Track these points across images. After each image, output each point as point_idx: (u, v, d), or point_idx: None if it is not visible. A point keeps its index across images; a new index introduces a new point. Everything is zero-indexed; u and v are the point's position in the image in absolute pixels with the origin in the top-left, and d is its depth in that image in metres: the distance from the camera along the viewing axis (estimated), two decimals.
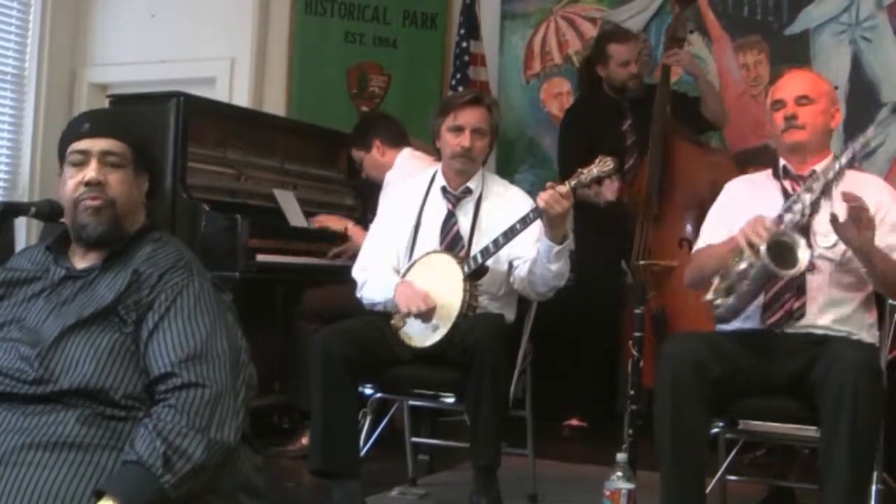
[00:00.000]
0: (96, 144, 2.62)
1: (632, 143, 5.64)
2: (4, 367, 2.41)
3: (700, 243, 3.64)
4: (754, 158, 4.00)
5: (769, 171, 3.65)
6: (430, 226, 4.13)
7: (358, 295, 4.12)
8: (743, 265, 3.25)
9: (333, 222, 5.51)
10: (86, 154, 2.62)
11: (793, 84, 3.54)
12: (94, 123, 2.68)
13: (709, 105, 5.49)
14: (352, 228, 5.36)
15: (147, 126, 5.09)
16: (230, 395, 2.41)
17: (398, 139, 5.31)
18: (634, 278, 5.22)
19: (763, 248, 3.14)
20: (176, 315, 2.47)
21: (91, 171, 2.59)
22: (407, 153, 5.20)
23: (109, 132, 2.65)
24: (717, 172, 3.89)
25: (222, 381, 2.40)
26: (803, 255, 3.14)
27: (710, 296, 3.36)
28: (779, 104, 3.52)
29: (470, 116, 4.07)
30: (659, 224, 5.17)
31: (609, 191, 5.33)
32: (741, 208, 3.53)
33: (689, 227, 5.05)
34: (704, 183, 3.83)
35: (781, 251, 3.15)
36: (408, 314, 3.85)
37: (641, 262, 5.12)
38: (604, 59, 5.77)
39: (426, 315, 3.84)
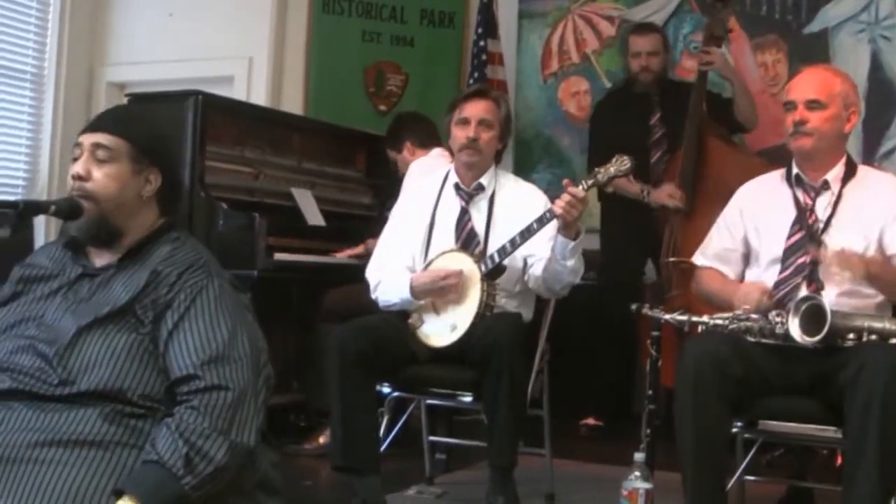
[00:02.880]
0: (89, 138, 2.60)
1: (660, 137, 5.63)
2: (25, 366, 2.41)
3: (706, 250, 3.63)
4: (774, 158, 3.99)
5: (781, 173, 3.62)
6: (445, 224, 4.13)
7: (372, 296, 4.12)
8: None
9: (352, 251, 5.51)
10: (80, 148, 2.61)
11: (804, 85, 3.48)
12: (97, 119, 2.68)
13: (741, 107, 5.47)
14: (371, 243, 5.33)
15: (165, 125, 5.09)
16: (251, 398, 2.41)
17: (429, 140, 5.33)
18: (662, 275, 5.22)
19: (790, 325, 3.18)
20: (196, 316, 2.46)
21: (77, 165, 2.59)
22: (436, 152, 5.21)
23: (105, 127, 2.63)
24: (749, 172, 3.87)
25: (244, 384, 2.40)
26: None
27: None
28: (790, 106, 3.47)
29: (475, 108, 4.08)
30: (689, 221, 5.15)
31: (665, 195, 5.30)
32: (753, 214, 3.53)
33: None
34: (736, 182, 3.80)
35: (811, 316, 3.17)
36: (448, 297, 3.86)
37: (670, 259, 5.10)
38: (626, 49, 5.86)
39: (456, 287, 3.85)
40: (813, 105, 3.42)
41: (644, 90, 5.70)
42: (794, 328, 3.17)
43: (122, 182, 2.60)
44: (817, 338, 3.14)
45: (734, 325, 3.29)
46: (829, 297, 3.26)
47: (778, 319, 3.23)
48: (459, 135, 4.08)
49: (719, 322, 3.31)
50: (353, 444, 3.79)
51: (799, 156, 3.51)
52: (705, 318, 3.37)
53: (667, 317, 3.48)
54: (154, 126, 2.75)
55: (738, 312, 3.31)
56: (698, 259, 3.74)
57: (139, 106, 5.43)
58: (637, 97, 5.73)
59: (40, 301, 2.58)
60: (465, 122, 4.07)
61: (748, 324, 3.28)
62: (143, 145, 2.64)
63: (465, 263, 3.91)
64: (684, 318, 3.43)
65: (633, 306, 3.67)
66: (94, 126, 2.64)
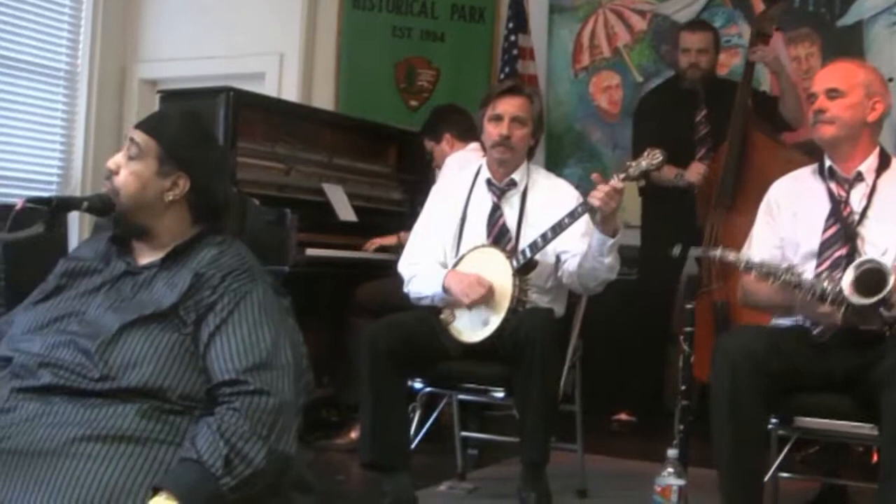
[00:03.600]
0: (130, 133, 2.63)
1: (705, 134, 5.61)
2: (66, 361, 2.42)
3: (750, 251, 3.58)
4: (809, 152, 3.96)
5: (814, 167, 3.59)
6: (476, 219, 4.12)
7: (405, 290, 4.12)
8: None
9: (384, 240, 5.50)
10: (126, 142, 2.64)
11: (826, 77, 3.47)
12: (147, 117, 2.71)
13: (787, 105, 5.44)
14: (403, 236, 5.33)
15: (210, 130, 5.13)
16: (292, 407, 2.41)
17: (468, 133, 5.32)
18: (701, 268, 5.19)
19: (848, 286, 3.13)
20: (240, 320, 2.46)
21: (112, 159, 2.61)
22: (473, 146, 5.21)
23: (143, 125, 2.64)
24: (792, 168, 3.85)
25: (286, 392, 2.40)
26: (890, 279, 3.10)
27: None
28: (812, 97, 3.47)
29: (508, 105, 4.06)
30: (730, 216, 5.12)
31: (694, 173, 5.32)
32: (789, 210, 3.50)
33: None
34: (780, 177, 3.80)
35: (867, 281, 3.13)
36: (466, 305, 3.85)
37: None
38: (676, 44, 5.82)
39: (485, 298, 3.84)
40: (832, 94, 3.41)
41: (691, 86, 5.67)
42: (847, 284, 3.13)
43: (142, 181, 2.59)
44: (873, 299, 3.09)
45: (787, 277, 3.24)
46: None
47: (828, 285, 3.19)
48: (492, 131, 4.07)
49: (772, 271, 3.27)
50: (383, 441, 3.79)
51: (822, 145, 3.48)
52: (758, 261, 3.33)
53: (717, 252, 3.42)
54: (193, 132, 2.71)
55: (793, 264, 3.28)
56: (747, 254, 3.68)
57: (172, 103, 5.44)
58: (683, 93, 5.70)
59: (83, 297, 2.59)
60: (497, 118, 4.06)
61: (801, 279, 3.24)
62: (171, 147, 2.62)
63: (496, 258, 3.90)
64: (732, 257, 3.38)
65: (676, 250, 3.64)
66: (138, 123, 2.66)
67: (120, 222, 2.60)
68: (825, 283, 3.20)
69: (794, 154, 5.34)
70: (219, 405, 2.36)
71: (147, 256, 2.62)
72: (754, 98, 5.41)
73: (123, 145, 2.63)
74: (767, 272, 3.27)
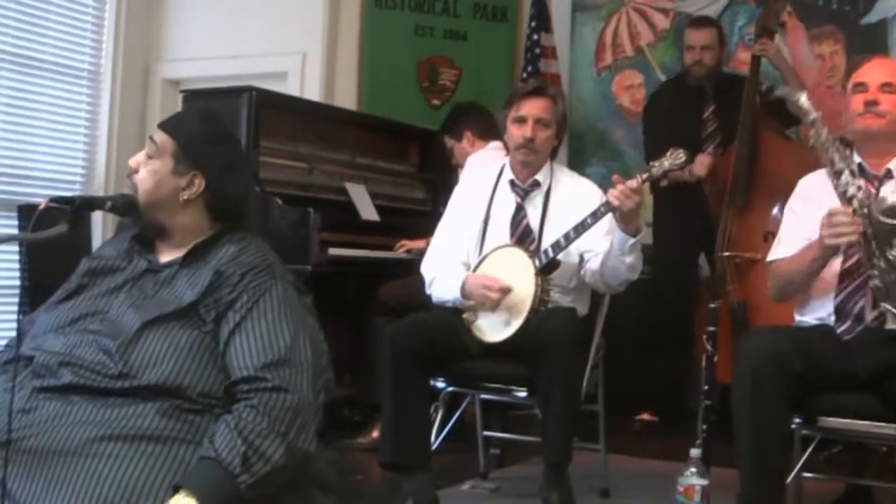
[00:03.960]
0: (152, 134, 2.65)
1: (713, 130, 5.60)
2: (87, 360, 2.43)
3: (780, 247, 3.55)
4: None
5: None
6: (500, 220, 4.12)
7: (427, 292, 4.12)
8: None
9: (414, 243, 5.50)
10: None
11: (878, 70, 3.45)
12: (170, 116, 2.72)
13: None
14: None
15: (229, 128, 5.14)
16: (311, 404, 2.41)
17: (489, 132, 5.32)
18: (716, 270, 5.18)
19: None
20: (259, 318, 2.47)
21: (133, 158, 2.63)
22: (495, 145, 5.20)
23: (164, 124, 2.68)
24: (804, 166, 3.82)
25: (304, 389, 2.41)
26: None
27: None
28: (860, 87, 3.43)
29: (532, 107, 4.05)
30: (743, 215, 5.11)
31: (700, 166, 5.32)
32: (817, 205, 3.47)
33: (774, 220, 4.97)
34: (791, 176, 3.75)
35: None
36: (485, 308, 3.85)
37: (724, 254, 5.07)
38: (682, 41, 5.81)
39: (503, 300, 3.83)
40: (886, 88, 3.39)
41: (697, 83, 5.66)
42: (879, 198, 3.15)
43: (158, 179, 2.61)
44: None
45: (842, 178, 3.24)
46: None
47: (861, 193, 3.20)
48: (516, 133, 4.07)
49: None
50: (402, 442, 3.79)
51: (864, 136, 3.43)
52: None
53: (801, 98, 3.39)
54: (211, 132, 2.72)
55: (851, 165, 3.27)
56: (772, 255, 3.65)
57: (194, 102, 5.45)
58: (690, 90, 5.70)
59: (105, 296, 2.60)
60: (521, 120, 4.05)
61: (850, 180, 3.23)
62: (187, 146, 2.64)
63: (519, 258, 3.90)
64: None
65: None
66: (160, 122, 2.68)
67: (139, 219, 2.62)
68: (858, 187, 3.20)
69: (806, 151, 5.32)
70: (237, 403, 2.37)
71: (168, 254, 2.64)
72: (762, 96, 5.39)
73: (146, 145, 2.66)
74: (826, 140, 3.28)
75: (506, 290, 3.84)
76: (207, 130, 2.72)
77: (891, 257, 3.13)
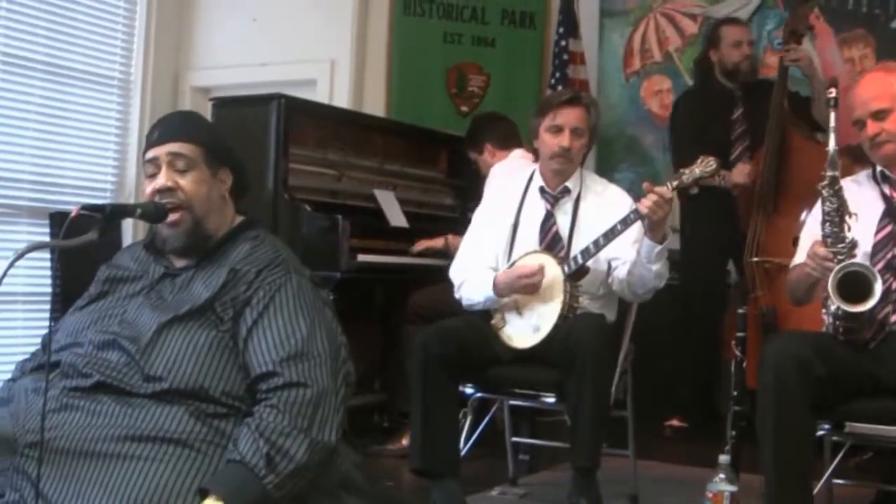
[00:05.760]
0: (163, 150, 2.66)
1: (741, 133, 5.57)
2: (112, 361, 2.46)
3: (798, 253, 3.56)
4: (859, 156, 3.91)
5: (868, 172, 3.58)
6: (529, 226, 4.12)
7: (456, 296, 4.13)
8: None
9: (432, 242, 5.52)
10: (155, 162, 2.65)
11: (862, 99, 3.46)
12: (161, 130, 2.72)
13: (819, 107, 5.39)
14: (451, 239, 5.32)
15: (249, 128, 5.17)
16: (331, 395, 2.43)
17: (509, 141, 5.33)
18: (745, 275, 5.16)
19: (831, 288, 3.13)
20: (276, 313, 2.49)
21: (160, 179, 2.63)
22: (518, 153, 5.21)
23: (174, 135, 2.68)
24: None
25: (324, 381, 2.42)
26: (877, 287, 3.09)
27: None
28: (859, 125, 3.46)
29: (569, 116, 4.05)
30: (772, 220, 5.09)
31: (740, 174, 5.28)
32: None
33: (803, 225, 4.94)
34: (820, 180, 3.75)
35: (853, 282, 3.12)
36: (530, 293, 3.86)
37: (754, 259, 5.05)
38: (716, 41, 5.75)
39: (537, 285, 3.85)
40: (879, 116, 3.41)
41: (724, 86, 5.64)
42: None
43: (208, 186, 2.65)
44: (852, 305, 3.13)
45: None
46: None
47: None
48: (551, 142, 4.06)
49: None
50: (432, 447, 3.80)
51: (886, 162, 3.47)
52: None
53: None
54: (212, 125, 2.80)
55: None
56: (793, 261, 3.66)
57: (224, 110, 5.48)
58: (717, 93, 5.68)
59: (124, 300, 2.64)
60: (558, 129, 4.05)
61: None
62: (213, 147, 2.68)
63: (548, 264, 3.90)
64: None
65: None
66: (162, 137, 2.68)
67: (192, 234, 2.64)
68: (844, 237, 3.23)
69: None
70: (258, 403, 2.38)
71: (183, 259, 2.66)
72: (788, 98, 5.37)
73: (151, 167, 2.67)
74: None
75: (541, 269, 3.85)
76: (206, 125, 2.79)
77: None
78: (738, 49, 5.63)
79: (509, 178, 4.47)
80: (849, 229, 3.23)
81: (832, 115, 3.32)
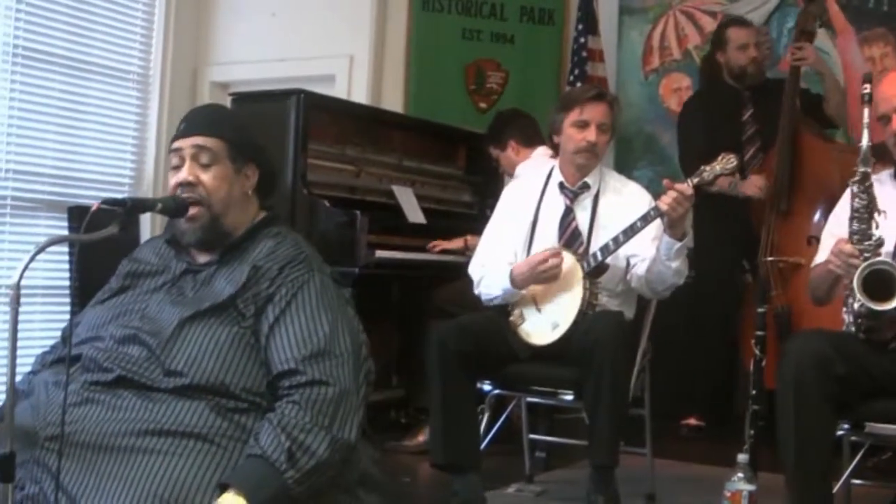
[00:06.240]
0: (188, 142, 2.65)
1: (752, 134, 5.55)
2: (133, 356, 2.47)
3: (820, 252, 3.54)
4: (880, 154, 3.89)
5: (889, 172, 3.56)
6: (548, 222, 4.11)
7: (475, 291, 4.13)
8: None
9: (450, 243, 5.51)
10: (180, 154, 2.65)
11: (889, 94, 3.43)
12: (189, 121, 2.72)
13: (832, 103, 5.38)
14: (470, 239, 5.30)
15: (267, 123, 5.17)
16: (353, 394, 2.43)
17: (533, 139, 5.33)
18: (759, 275, 5.14)
19: (856, 285, 3.09)
20: (298, 310, 2.49)
21: (183, 172, 2.63)
22: (541, 151, 5.20)
23: (200, 128, 2.67)
24: (847, 168, 3.80)
25: (346, 379, 2.42)
26: None
27: None
28: (885, 120, 3.42)
29: (596, 112, 4.04)
30: (786, 220, 5.08)
31: (752, 187, 5.25)
32: None
33: (817, 224, 4.94)
34: (834, 179, 3.74)
35: (878, 280, 3.09)
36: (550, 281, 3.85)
37: (768, 259, 5.03)
38: (722, 44, 5.72)
39: (555, 270, 3.84)
40: None
41: (733, 87, 5.62)
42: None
43: (229, 182, 2.65)
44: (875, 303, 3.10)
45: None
46: None
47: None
48: (577, 136, 4.05)
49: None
50: (453, 442, 3.80)
51: None
52: None
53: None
54: (241, 121, 2.79)
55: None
56: (814, 261, 3.65)
57: (242, 105, 5.49)
58: (727, 94, 5.65)
59: (146, 295, 2.64)
60: (584, 124, 4.04)
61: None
62: (239, 143, 2.68)
63: (567, 260, 3.89)
64: None
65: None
66: (189, 130, 2.68)
67: (210, 230, 2.64)
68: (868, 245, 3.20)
69: (849, 154, 5.28)
70: (279, 399, 2.38)
71: (205, 254, 2.66)
72: (801, 97, 5.35)
73: (176, 158, 2.67)
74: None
75: (558, 253, 3.85)
76: (234, 120, 2.78)
77: None
78: (745, 52, 5.60)
79: (522, 178, 4.46)
80: (877, 227, 3.22)
81: (865, 111, 3.29)
